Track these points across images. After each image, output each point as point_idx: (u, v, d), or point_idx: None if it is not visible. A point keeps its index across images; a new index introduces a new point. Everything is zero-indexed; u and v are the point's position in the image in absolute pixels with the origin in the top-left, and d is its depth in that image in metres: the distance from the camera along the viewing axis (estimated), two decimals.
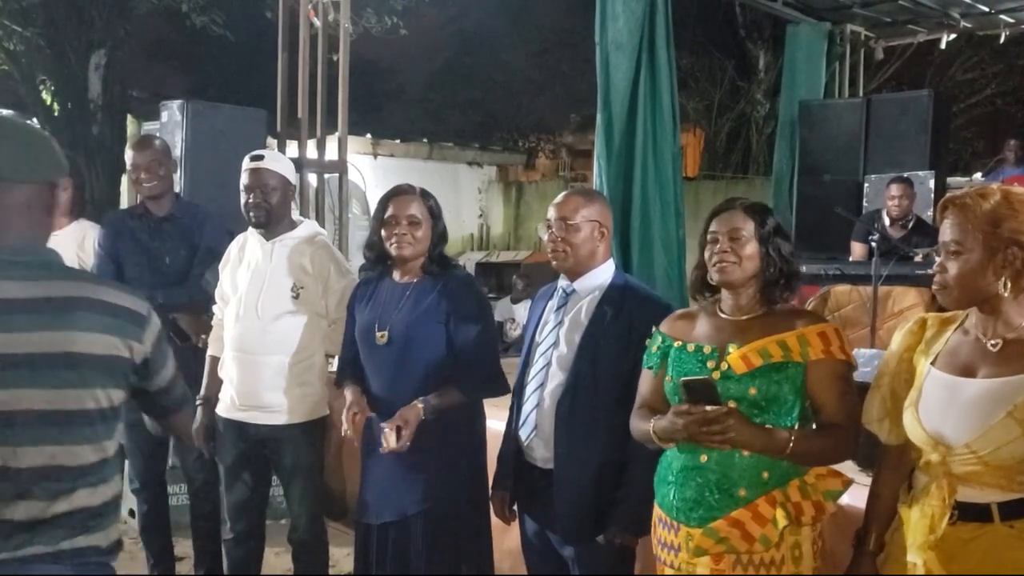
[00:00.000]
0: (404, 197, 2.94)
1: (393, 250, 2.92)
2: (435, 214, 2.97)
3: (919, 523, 1.97)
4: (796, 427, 2.18)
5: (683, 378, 2.17)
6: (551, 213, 2.70)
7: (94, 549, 1.77)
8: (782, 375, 2.16)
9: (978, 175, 9.66)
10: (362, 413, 2.88)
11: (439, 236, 2.98)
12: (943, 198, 2.02)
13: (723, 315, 2.30)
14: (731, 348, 2.20)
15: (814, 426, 2.23)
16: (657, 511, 2.32)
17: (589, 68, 6.78)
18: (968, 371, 1.96)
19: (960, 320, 2.05)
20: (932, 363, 2.02)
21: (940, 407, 1.96)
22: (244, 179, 3.26)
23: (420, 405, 2.81)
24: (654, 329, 2.42)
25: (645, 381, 2.40)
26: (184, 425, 2.14)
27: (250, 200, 3.24)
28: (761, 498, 2.13)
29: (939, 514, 1.93)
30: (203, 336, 3.55)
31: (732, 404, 2.14)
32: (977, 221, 1.91)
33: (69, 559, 1.73)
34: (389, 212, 2.92)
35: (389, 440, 2.76)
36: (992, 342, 1.95)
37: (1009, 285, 1.90)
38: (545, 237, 2.73)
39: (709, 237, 2.28)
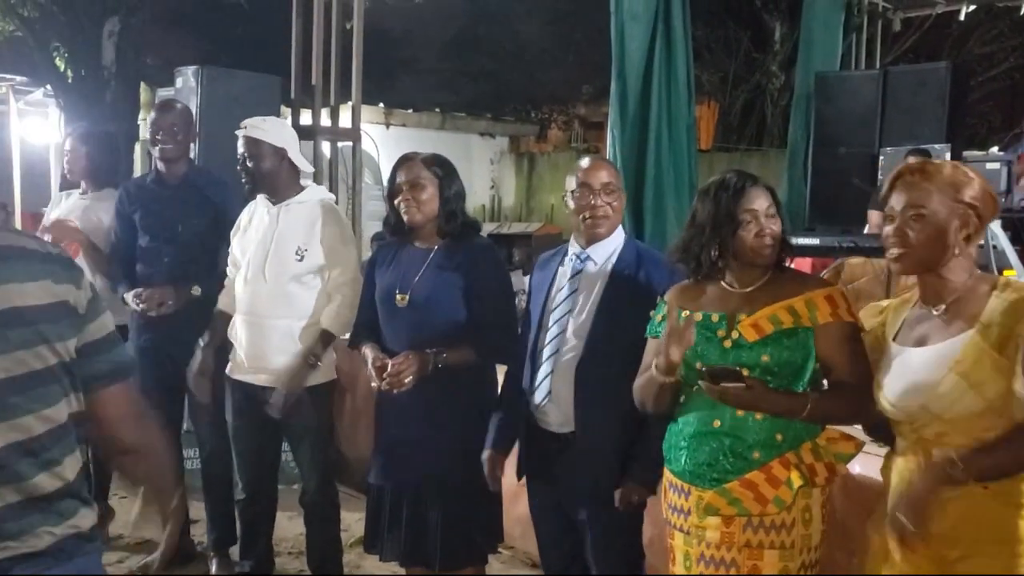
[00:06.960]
0: (407, 164, 2.96)
1: (404, 217, 2.94)
2: (442, 176, 2.95)
3: (896, 487, 2.05)
4: (810, 390, 2.20)
5: (705, 367, 2.16)
6: (589, 179, 2.66)
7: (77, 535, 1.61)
8: (793, 340, 2.18)
9: (994, 149, 9.55)
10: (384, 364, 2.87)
11: (451, 198, 2.95)
12: (895, 171, 2.06)
13: (728, 287, 2.31)
14: (740, 316, 2.21)
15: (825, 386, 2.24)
16: (668, 476, 2.33)
17: (603, 39, 6.71)
18: (921, 341, 2.05)
19: (916, 298, 2.12)
20: (894, 339, 2.11)
21: (898, 378, 2.04)
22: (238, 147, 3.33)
23: (429, 352, 2.83)
24: (659, 298, 2.43)
25: (651, 350, 2.39)
26: (113, 406, 1.68)
27: (240, 167, 3.31)
28: (775, 460, 2.16)
29: (915, 478, 2.00)
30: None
31: (745, 372, 2.16)
32: (939, 184, 1.98)
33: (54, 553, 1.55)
34: (397, 180, 2.95)
35: (386, 369, 2.79)
36: (936, 309, 2.02)
37: (966, 246, 1.99)
38: (572, 204, 2.69)
39: (743, 216, 2.21)
